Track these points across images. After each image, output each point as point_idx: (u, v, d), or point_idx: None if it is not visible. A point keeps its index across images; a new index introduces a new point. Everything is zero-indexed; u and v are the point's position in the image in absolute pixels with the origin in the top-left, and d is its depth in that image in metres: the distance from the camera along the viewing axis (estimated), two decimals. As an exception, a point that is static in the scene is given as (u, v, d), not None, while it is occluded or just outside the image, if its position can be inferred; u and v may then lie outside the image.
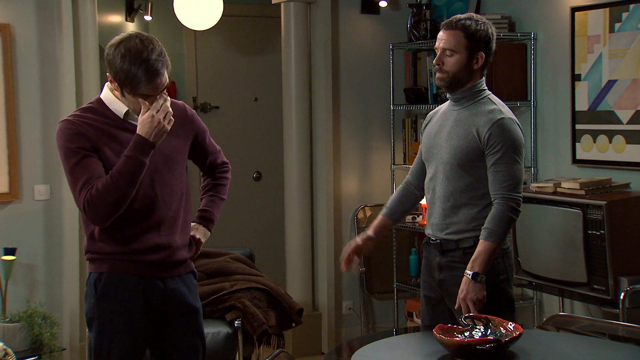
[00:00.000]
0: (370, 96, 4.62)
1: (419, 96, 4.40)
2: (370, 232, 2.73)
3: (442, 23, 2.61)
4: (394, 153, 4.50)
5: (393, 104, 4.47)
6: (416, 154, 4.42)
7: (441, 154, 2.61)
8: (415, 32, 4.29)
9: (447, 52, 2.55)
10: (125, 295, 2.32)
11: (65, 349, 3.87)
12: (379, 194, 4.65)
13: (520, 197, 2.55)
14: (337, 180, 4.56)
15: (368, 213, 4.65)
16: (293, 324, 3.71)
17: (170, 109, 2.27)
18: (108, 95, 2.33)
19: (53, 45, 3.91)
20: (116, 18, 5.08)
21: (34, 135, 3.91)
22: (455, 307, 2.53)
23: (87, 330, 3.01)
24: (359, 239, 2.70)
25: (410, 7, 4.34)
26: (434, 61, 2.60)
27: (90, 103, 2.36)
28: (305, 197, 4.52)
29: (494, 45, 2.61)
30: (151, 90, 2.22)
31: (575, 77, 3.73)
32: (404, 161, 4.54)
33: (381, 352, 2.33)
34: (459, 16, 2.59)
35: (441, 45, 2.57)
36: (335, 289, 4.55)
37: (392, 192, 4.51)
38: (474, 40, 2.54)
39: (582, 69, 3.69)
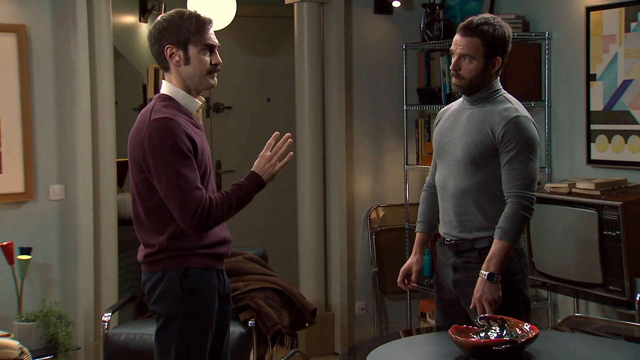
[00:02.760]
0: (383, 96, 4.62)
1: (432, 96, 4.39)
2: (417, 255, 2.77)
3: (459, 26, 2.58)
4: (407, 153, 4.49)
5: (406, 104, 4.46)
6: (430, 154, 4.42)
7: (454, 151, 2.60)
8: (429, 32, 4.29)
9: (465, 58, 2.54)
10: (210, 289, 2.36)
11: (80, 348, 3.89)
12: (392, 194, 4.64)
13: (534, 195, 2.53)
14: (350, 180, 4.56)
15: (381, 213, 4.65)
16: (307, 324, 3.71)
17: (288, 155, 2.38)
18: (176, 90, 2.34)
19: (68, 46, 3.94)
20: (130, 19, 5.10)
21: (49, 135, 3.94)
22: (471, 307, 2.52)
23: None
24: (411, 266, 2.76)
25: (423, 7, 4.34)
26: (450, 67, 2.58)
27: (163, 100, 2.32)
28: (318, 197, 4.52)
29: (510, 47, 2.60)
30: (214, 36, 2.32)
31: (590, 77, 3.71)
32: (417, 161, 4.53)
33: (396, 353, 2.33)
34: (476, 20, 2.55)
35: (458, 50, 2.54)
36: (348, 289, 4.54)
37: (406, 192, 4.54)
38: (492, 46, 2.53)
39: (597, 68, 3.67)
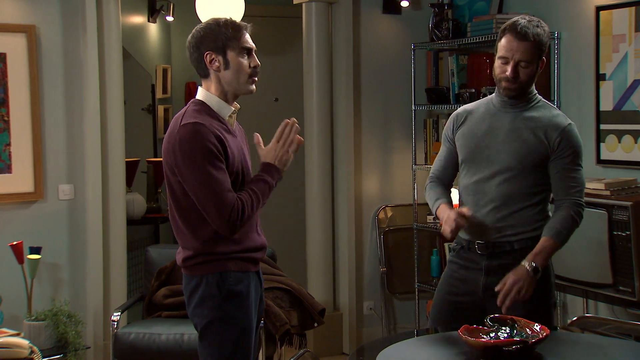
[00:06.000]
0: (391, 96, 4.61)
1: (441, 96, 4.39)
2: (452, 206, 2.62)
3: (513, 30, 2.48)
4: (415, 153, 4.49)
5: (414, 104, 4.46)
6: (437, 154, 4.40)
7: (498, 156, 2.56)
8: (437, 32, 4.28)
9: (522, 64, 2.50)
10: (247, 292, 2.38)
11: (89, 347, 3.91)
12: (400, 194, 4.64)
13: (584, 204, 2.56)
14: (358, 180, 4.56)
15: (389, 213, 4.64)
16: (315, 324, 3.72)
17: (295, 140, 2.40)
18: (210, 97, 2.38)
19: (77, 46, 3.95)
20: (138, 19, 5.12)
21: (58, 135, 3.95)
22: (498, 288, 2.46)
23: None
24: (455, 211, 2.53)
25: (432, 7, 4.33)
26: (509, 74, 2.49)
27: (196, 105, 2.36)
28: (326, 197, 4.52)
29: None
30: (250, 40, 2.37)
31: (599, 77, 3.70)
32: (425, 161, 4.52)
33: (405, 353, 2.32)
34: (526, 23, 2.49)
35: (517, 57, 2.49)
36: (357, 289, 4.54)
37: (414, 192, 4.53)
38: (543, 49, 2.53)
39: (606, 68, 3.66)
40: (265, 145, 2.45)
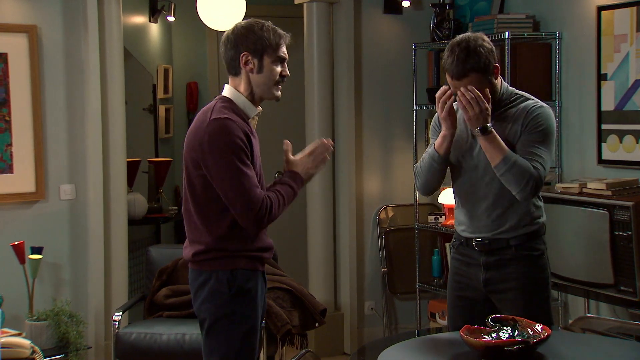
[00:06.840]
0: (392, 96, 4.62)
1: (442, 96, 4.38)
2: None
3: (449, 72, 2.50)
4: (416, 153, 4.48)
5: (415, 104, 4.46)
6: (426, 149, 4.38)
7: (483, 156, 2.57)
8: (438, 32, 4.28)
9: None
10: (255, 290, 2.39)
11: (90, 347, 3.91)
12: (401, 194, 4.64)
13: (543, 181, 2.51)
14: (359, 180, 4.56)
15: (390, 213, 4.64)
16: (316, 324, 3.72)
17: (324, 159, 2.49)
18: (237, 95, 2.40)
19: (79, 46, 3.96)
20: (140, 19, 5.12)
21: (59, 135, 3.96)
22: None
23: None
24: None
25: (433, 7, 4.33)
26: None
27: (223, 102, 2.38)
28: (327, 197, 4.53)
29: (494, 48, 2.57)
30: (286, 50, 2.42)
31: (601, 77, 3.70)
32: (427, 161, 4.52)
33: (407, 353, 2.32)
34: (456, 60, 2.46)
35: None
36: (358, 289, 4.54)
37: (415, 192, 4.53)
38: (488, 67, 2.50)
39: (608, 68, 3.66)
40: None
